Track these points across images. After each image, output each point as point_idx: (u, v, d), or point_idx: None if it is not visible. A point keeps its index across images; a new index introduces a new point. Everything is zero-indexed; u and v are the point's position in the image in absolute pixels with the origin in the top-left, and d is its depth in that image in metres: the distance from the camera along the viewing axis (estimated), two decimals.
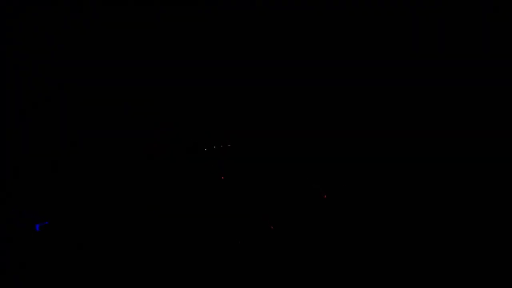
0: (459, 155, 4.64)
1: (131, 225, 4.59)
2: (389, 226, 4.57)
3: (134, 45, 4.83)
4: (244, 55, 4.87)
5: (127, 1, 4.81)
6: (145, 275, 4.46)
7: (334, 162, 4.76)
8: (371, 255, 4.49)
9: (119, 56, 4.81)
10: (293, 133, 4.82)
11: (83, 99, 4.76)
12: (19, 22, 4.67)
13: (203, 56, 4.88)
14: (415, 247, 4.48)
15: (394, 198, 4.63)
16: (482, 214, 4.51)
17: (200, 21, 4.87)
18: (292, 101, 4.85)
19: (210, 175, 4.78)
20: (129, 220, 4.60)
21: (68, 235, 4.52)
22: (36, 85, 4.71)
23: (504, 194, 4.53)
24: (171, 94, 4.85)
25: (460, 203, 4.55)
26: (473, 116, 4.67)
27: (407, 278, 4.40)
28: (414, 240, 4.51)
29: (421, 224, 4.54)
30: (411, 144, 4.71)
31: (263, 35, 4.87)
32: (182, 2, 4.85)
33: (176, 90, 4.86)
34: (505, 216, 4.48)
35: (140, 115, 4.81)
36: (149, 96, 4.83)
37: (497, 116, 4.65)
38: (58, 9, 4.74)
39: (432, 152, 4.68)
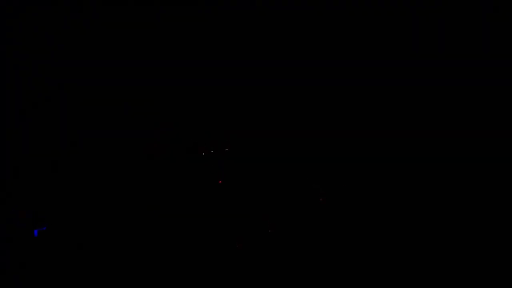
0: (459, 155, 4.64)
1: (131, 225, 4.59)
2: (389, 226, 4.57)
3: (134, 45, 4.83)
4: (244, 55, 4.87)
5: (127, 1, 4.81)
6: (145, 275, 4.46)
7: (334, 162, 4.76)
8: (371, 255, 4.50)
9: (119, 56, 4.81)
10: (293, 133, 4.82)
11: (83, 99, 4.76)
12: (19, 22, 4.67)
13: (203, 56, 4.88)
14: (415, 247, 4.49)
15: (394, 198, 4.63)
16: (482, 214, 4.51)
17: (200, 21, 4.87)
18: (292, 101, 4.85)
19: (210, 175, 4.78)
20: (129, 220, 4.60)
21: (68, 235, 4.52)
22: (36, 85, 4.71)
23: (504, 194, 4.53)
24: (171, 94, 4.85)
25: (460, 203, 4.56)
26: (473, 116, 4.68)
27: (407, 278, 4.40)
28: (414, 240, 4.51)
29: (421, 224, 4.54)
30: (411, 144, 4.71)
31: (263, 35, 4.88)
32: (182, 2, 4.85)
33: (176, 90, 4.86)
34: (505, 216, 4.48)
35: (140, 115, 4.81)
36: (149, 96, 4.83)
37: (497, 116, 4.65)
38: (58, 9, 4.74)
39: (432, 152, 4.68)
